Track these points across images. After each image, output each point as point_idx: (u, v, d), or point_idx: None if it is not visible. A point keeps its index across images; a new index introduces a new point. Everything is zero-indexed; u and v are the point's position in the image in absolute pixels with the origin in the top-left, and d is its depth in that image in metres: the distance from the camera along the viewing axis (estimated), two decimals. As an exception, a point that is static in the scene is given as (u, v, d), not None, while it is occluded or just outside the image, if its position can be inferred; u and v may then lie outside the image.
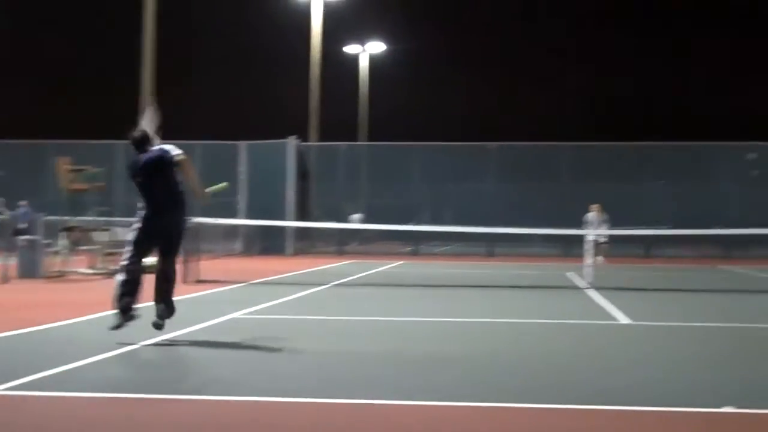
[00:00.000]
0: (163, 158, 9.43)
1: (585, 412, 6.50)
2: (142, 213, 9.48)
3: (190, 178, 9.57)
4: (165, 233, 9.51)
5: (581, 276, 19.23)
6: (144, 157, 9.49)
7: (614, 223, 28.55)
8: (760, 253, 31.28)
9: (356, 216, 32.19)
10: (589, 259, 19.05)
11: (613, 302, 14.37)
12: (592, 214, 28.06)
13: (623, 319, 12.28)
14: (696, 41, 70.71)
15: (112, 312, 9.37)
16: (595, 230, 25.67)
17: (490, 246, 33.28)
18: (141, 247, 9.45)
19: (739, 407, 6.55)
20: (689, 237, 29.37)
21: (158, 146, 9.76)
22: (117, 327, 9.17)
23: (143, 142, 9.67)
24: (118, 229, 20.12)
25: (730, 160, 33.81)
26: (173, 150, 9.46)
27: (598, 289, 17.03)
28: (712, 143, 34.56)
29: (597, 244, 26.74)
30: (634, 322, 11.94)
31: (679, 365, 8.62)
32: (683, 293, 17.40)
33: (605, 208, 28.69)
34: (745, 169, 35.51)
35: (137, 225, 9.51)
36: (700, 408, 6.64)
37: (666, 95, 73.09)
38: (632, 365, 8.52)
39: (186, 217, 9.89)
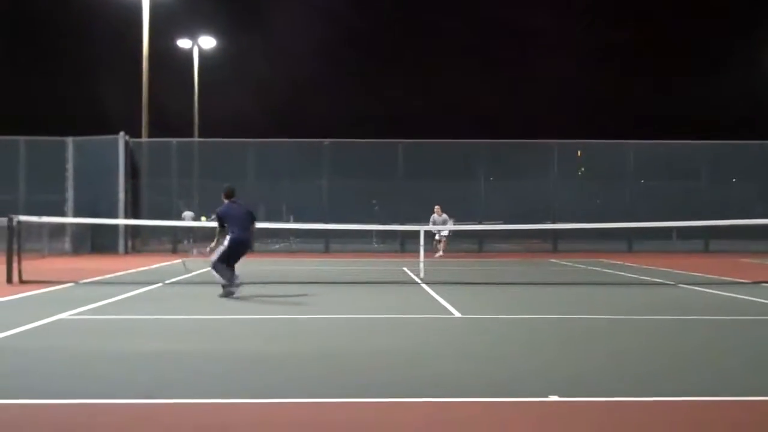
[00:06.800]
0: None
1: (422, 405, 6.57)
2: None
3: None
4: None
5: (417, 271, 19.52)
6: None
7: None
8: (586, 247, 32.55)
9: (188, 213, 31.64)
10: (422, 255, 19.45)
11: (445, 296, 14.64)
12: (435, 215, 29.09)
13: (456, 312, 12.50)
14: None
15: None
16: (433, 227, 26.99)
17: (326, 242, 33.41)
18: None
19: (562, 396, 6.76)
20: (519, 231, 30.25)
21: None
22: None
23: None
24: None
25: (557, 157, 34.90)
26: None
27: (432, 284, 17.33)
28: (539, 141, 35.62)
29: (437, 241, 28.25)
30: (464, 316, 12.17)
31: (507, 357, 8.84)
32: (513, 286, 17.87)
33: (440, 205, 29.42)
34: (572, 166, 36.81)
35: None
36: (526, 398, 6.81)
37: (493, 94, 75.20)
38: (462, 357, 8.67)
39: None
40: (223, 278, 14.81)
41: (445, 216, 29.07)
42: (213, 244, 15.34)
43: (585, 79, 71.34)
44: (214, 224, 15.59)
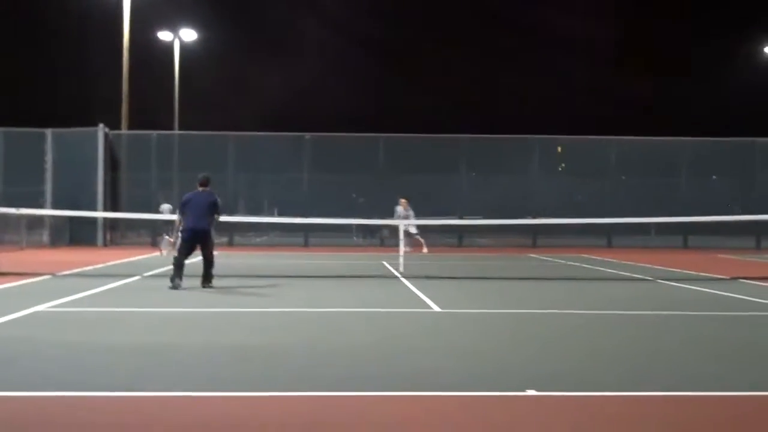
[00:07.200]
0: None
1: (400, 399, 6.57)
2: None
3: None
4: None
5: (396, 265, 19.52)
6: None
7: (429, 214, 29.16)
8: (566, 242, 32.65)
9: (166, 206, 31.43)
10: (402, 249, 19.45)
11: (425, 291, 14.66)
12: (400, 208, 28.50)
13: (435, 307, 12.51)
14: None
15: None
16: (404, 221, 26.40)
17: (306, 236, 33.35)
18: None
19: (540, 390, 6.77)
20: (499, 226, 30.28)
21: None
22: None
23: None
24: None
25: (538, 152, 34.99)
26: None
27: (411, 278, 17.34)
28: (520, 136, 35.67)
29: (409, 235, 27.55)
30: (443, 310, 12.18)
31: (485, 351, 8.83)
32: (492, 281, 17.89)
33: (420, 199, 29.29)
34: (553, 162, 36.92)
35: None
36: (503, 392, 6.81)
37: (476, 89, 75.27)
38: (440, 352, 8.67)
39: None
40: (174, 272, 14.96)
41: (410, 212, 28.36)
42: (175, 234, 15.62)
43: (580, 76, 71.33)
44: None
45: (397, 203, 28.94)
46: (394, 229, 27.46)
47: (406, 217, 27.63)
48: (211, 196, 15.52)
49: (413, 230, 27.81)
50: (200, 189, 15.52)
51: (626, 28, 76.29)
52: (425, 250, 28.19)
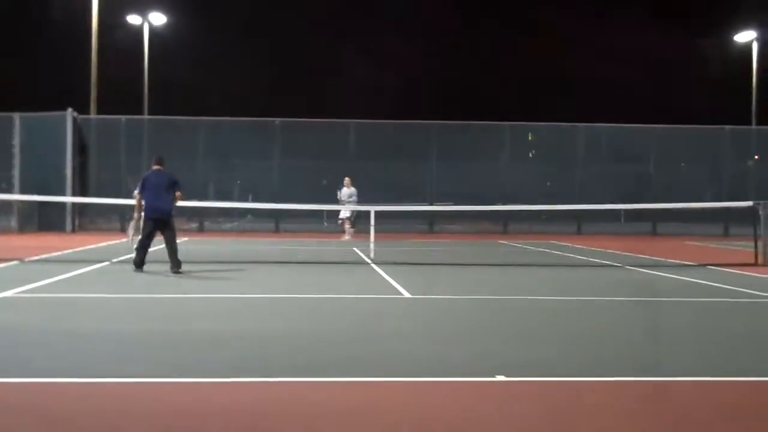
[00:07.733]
0: None
1: (369, 384, 6.56)
2: None
3: None
4: None
5: (367, 251, 19.50)
6: None
7: (400, 200, 29.15)
8: (536, 229, 32.75)
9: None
10: (372, 235, 19.37)
11: (395, 277, 14.66)
12: (344, 188, 27.98)
13: (405, 293, 12.51)
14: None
15: None
16: (347, 205, 26.13)
17: (277, 222, 33.25)
18: None
19: (509, 376, 6.79)
20: (470, 213, 30.33)
21: None
22: None
23: None
24: None
25: (509, 139, 35.05)
26: None
27: (382, 264, 17.33)
28: (491, 123, 35.72)
29: (342, 221, 27.10)
30: (414, 296, 12.18)
31: (455, 337, 8.85)
32: (463, 267, 17.92)
33: (391, 185, 29.19)
34: (523, 149, 37.01)
35: None
36: (473, 377, 6.83)
37: (451, 76, 75.26)
38: (409, 337, 8.67)
39: None
40: (137, 254, 15.22)
41: (352, 189, 27.78)
42: (135, 214, 15.95)
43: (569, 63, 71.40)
44: None
45: (373, 189, 28.81)
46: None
47: (350, 196, 27.36)
48: (170, 175, 15.53)
49: (346, 214, 27.49)
50: (155, 168, 15.54)
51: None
52: (346, 237, 27.58)
